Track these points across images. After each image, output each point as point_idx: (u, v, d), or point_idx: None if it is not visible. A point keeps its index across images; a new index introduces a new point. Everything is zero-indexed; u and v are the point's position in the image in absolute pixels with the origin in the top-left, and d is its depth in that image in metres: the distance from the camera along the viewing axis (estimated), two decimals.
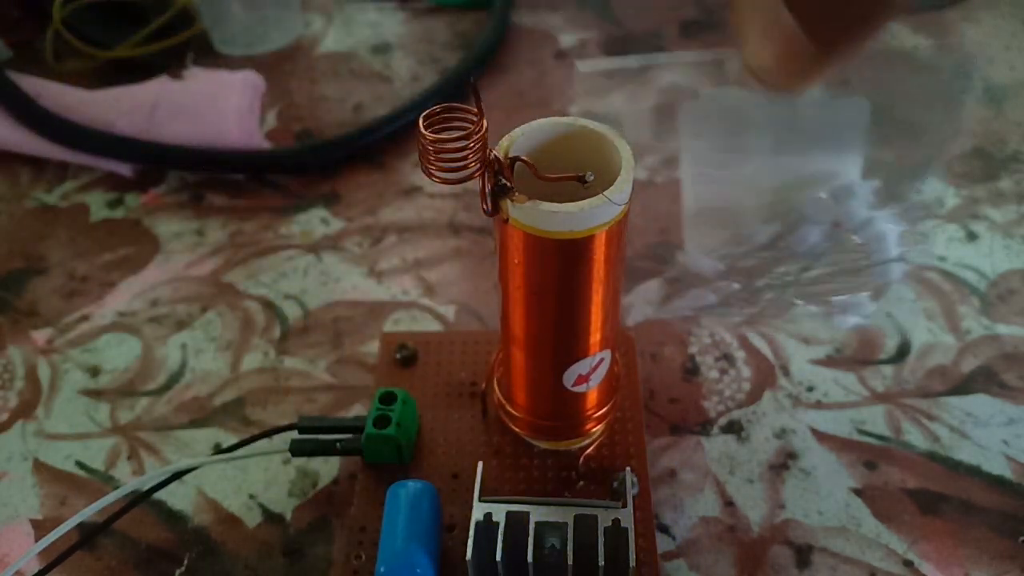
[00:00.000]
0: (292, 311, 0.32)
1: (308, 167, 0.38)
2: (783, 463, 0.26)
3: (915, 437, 0.27)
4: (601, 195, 0.18)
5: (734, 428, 0.27)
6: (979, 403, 0.28)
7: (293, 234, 0.35)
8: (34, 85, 0.39)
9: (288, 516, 0.26)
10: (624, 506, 0.22)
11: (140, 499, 0.25)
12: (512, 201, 0.18)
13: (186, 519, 0.26)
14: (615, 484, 0.24)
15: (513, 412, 0.25)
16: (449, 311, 0.32)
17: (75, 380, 0.30)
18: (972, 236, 0.33)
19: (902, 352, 0.30)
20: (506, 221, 0.19)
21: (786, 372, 0.29)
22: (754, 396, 0.28)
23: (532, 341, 0.22)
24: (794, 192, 0.24)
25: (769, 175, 0.24)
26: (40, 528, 0.26)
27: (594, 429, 0.25)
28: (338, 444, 0.25)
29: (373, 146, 0.39)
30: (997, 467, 0.26)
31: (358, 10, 0.50)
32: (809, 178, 0.24)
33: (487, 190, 0.19)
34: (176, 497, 0.26)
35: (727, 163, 0.24)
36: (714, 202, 0.24)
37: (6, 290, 0.34)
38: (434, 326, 0.31)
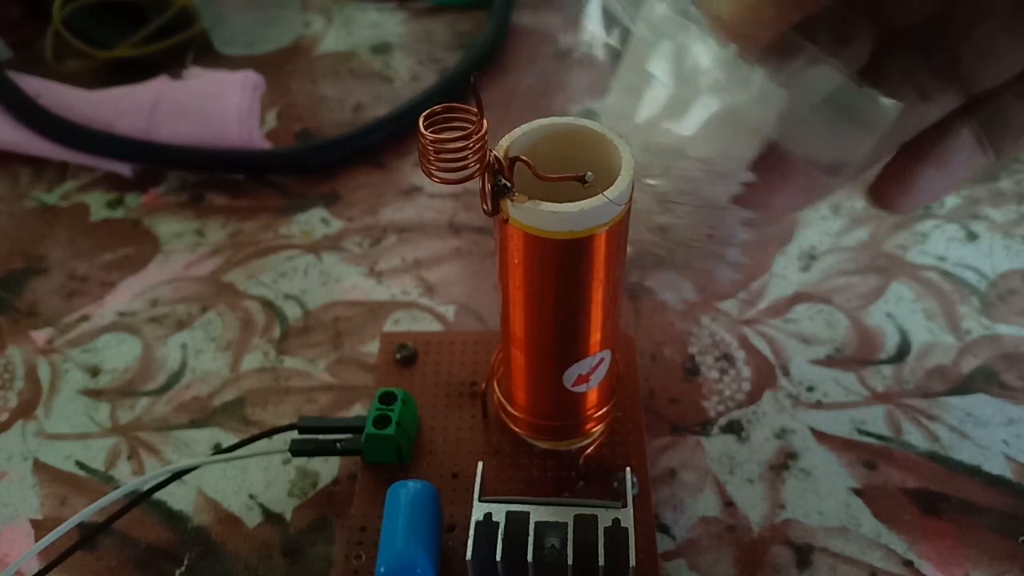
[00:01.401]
0: (292, 311, 0.32)
1: (308, 167, 0.38)
2: (783, 463, 0.26)
3: (915, 437, 0.27)
4: (601, 195, 0.18)
5: (734, 428, 0.27)
6: (979, 403, 0.28)
7: (293, 234, 0.35)
8: (34, 85, 0.39)
9: (288, 516, 0.26)
10: (624, 506, 0.22)
11: (140, 499, 0.25)
12: (512, 201, 0.18)
13: (186, 519, 0.26)
14: (615, 484, 0.24)
15: (513, 412, 0.25)
16: (449, 311, 0.32)
17: (75, 380, 0.30)
18: (972, 236, 0.33)
19: (902, 352, 0.30)
20: (506, 221, 0.19)
21: (786, 372, 0.29)
22: (754, 396, 0.28)
23: (532, 341, 0.22)
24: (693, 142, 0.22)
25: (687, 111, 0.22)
26: (40, 528, 0.26)
27: (594, 429, 0.25)
28: (338, 444, 0.25)
29: (373, 146, 0.39)
30: (997, 467, 0.26)
31: (358, 10, 0.50)
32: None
33: (487, 190, 0.19)
34: (176, 497, 0.26)
35: (655, 96, 0.22)
36: (629, 119, 0.23)
37: (6, 290, 0.34)
38: (434, 326, 0.31)
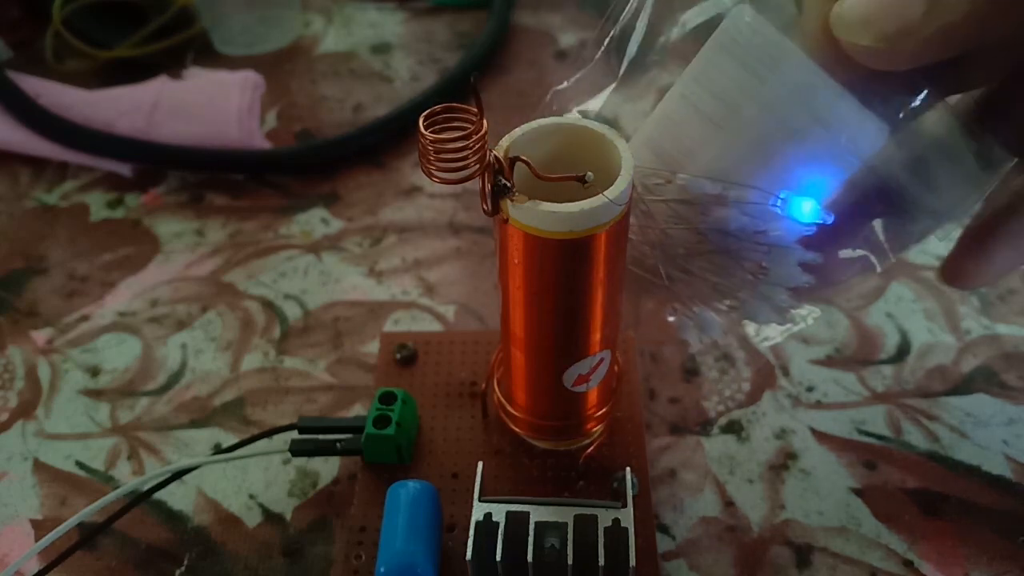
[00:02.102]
0: (292, 311, 0.32)
1: (308, 167, 0.38)
2: (783, 463, 0.26)
3: (915, 437, 0.27)
4: (601, 195, 0.18)
5: (734, 428, 0.27)
6: (979, 403, 0.28)
7: (293, 234, 0.35)
8: (34, 85, 0.39)
9: (288, 516, 0.26)
10: (624, 506, 0.22)
11: (140, 499, 0.25)
12: (512, 201, 0.18)
13: (186, 519, 0.26)
14: (615, 484, 0.24)
15: (513, 412, 0.25)
16: (449, 311, 0.32)
17: (75, 380, 0.30)
18: None
19: (902, 352, 0.30)
20: (506, 221, 0.19)
21: (786, 372, 0.29)
22: (754, 396, 0.28)
23: (532, 341, 0.22)
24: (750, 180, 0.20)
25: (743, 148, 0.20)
26: (40, 528, 0.26)
27: (594, 429, 0.25)
28: (338, 444, 0.25)
29: (373, 146, 0.39)
30: (997, 467, 0.26)
31: (358, 10, 0.50)
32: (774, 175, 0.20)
33: (487, 190, 0.18)
34: (176, 497, 0.26)
35: (720, 115, 0.20)
36: (679, 137, 0.21)
37: (6, 290, 0.34)
38: (434, 326, 0.31)
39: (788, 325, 0.23)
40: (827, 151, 0.20)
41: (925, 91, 0.19)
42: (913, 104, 0.19)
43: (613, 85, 0.23)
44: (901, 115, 0.20)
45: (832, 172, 0.20)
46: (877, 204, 0.21)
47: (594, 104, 0.23)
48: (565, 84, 0.22)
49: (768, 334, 0.24)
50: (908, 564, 0.24)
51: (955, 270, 0.23)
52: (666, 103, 0.21)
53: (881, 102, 0.19)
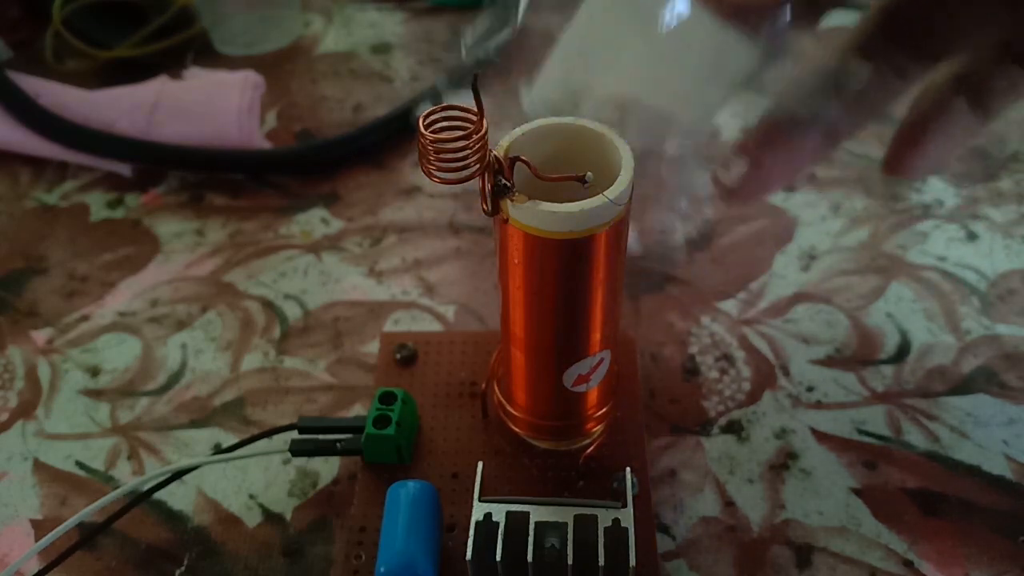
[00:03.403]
0: (292, 311, 0.32)
1: (308, 167, 0.38)
2: (783, 463, 0.26)
3: (915, 437, 0.27)
4: (601, 195, 0.18)
5: (734, 428, 0.27)
6: (979, 403, 0.28)
7: (293, 234, 0.35)
8: (34, 85, 0.39)
9: (288, 516, 0.26)
10: (624, 506, 0.22)
11: (140, 499, 0.25)
12: (512, 201, 0.18)
13: (186, 519, 0.26)
14: (615, 484, 0.24)
15: (513, 412, 0.25)
16: (449, 311, 0.32)
17: (75, 380, 0.30)
18: (972, 236, 0.33)
19: (902, 352, 0.30)
20: (506, 221, 0.19)
21: (786, 372, 0.29)
22: (754, 396, 0.28)
23: (532, 341, 0.22)
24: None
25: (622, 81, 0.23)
26: (40, 528, 0.26)
27: (594, 429, 0.25)
28: (338, 444, 0.25)
29: (373, 146, 0.39)
30: (997, 467, 0.26)
31: (358, 10, 0.50)
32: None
33: (487, 190, 0.19)
34: (176, 497, 0.26)
35: (610, 53, 0.23)
36: (581, 71, 0.24)
37: (6, 290, 0.34)
38: (434, 326, 0.31)
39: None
40: (709, 77, 0.22)
41: (791, 17, 0.22)
42: (785, 30, 0.22)
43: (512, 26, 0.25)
44: (777, 40, 0.22)
45: (717, 95, 0.23)
46: (766, 124, 0.24)
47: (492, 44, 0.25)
48: (470, 35, 0.25)
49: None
50: (908, 564, 0.24)
51: (895, 162, 0.25)
52: (565, 41, 0.24)
53: (756, 30, 0.21)
